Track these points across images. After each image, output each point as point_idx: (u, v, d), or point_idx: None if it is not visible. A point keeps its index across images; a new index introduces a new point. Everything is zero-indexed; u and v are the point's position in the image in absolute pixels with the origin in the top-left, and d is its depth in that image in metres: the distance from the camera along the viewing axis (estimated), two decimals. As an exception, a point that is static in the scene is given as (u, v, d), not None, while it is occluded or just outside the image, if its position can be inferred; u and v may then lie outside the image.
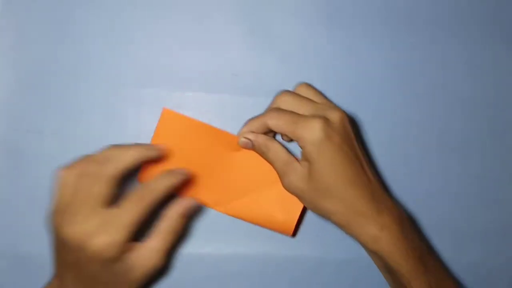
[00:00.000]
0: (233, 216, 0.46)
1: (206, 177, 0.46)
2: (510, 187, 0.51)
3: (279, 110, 0.43)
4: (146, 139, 0.47)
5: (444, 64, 0.50)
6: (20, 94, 0.47)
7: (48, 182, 0.47)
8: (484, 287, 0.50)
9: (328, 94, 0.49)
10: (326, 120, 0.41)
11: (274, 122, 0.43)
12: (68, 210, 0.39)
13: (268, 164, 0.45)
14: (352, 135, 0.42)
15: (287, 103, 0.44)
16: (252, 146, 0.44)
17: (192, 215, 0.46)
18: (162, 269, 0.43)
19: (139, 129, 0.47)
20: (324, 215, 0.43)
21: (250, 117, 0.48)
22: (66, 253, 0.40)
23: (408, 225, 0.43)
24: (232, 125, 0.47)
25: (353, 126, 0.43)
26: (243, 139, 0.44)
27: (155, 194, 0.40)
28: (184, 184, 0.44)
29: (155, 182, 0.41)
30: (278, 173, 0.44)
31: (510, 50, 0.51)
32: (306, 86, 0.45)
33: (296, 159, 0.43)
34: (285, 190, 0.44)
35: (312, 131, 0.41)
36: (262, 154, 0.44)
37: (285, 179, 0.43)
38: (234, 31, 0.48)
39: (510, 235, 0.51)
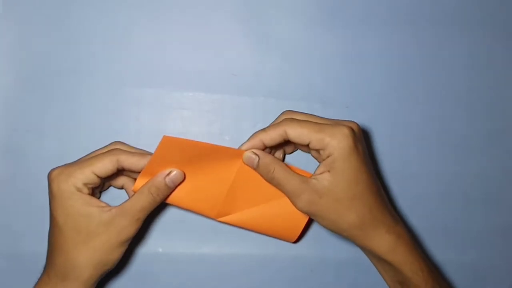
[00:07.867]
0: (235, 225, 0.44)
1: (206, 191, 0.43)
2: (509, 187, 0.51)
3: (296, 120, 0.40)
4: (146, 139, 0.47)
5: (444, 64, 0.50)
6: (20, 94, 0.47)
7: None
8: (484, 287, 0.50)
9: (328, 94, 0.49)
10: (352, 129, 0.39)
11: (297, 131, 0.39)
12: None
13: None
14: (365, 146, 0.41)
15: (298, 116, 0.41)
16: (256, 165, 0.40)
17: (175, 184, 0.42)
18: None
19: (139, 129, 0.47)
20: (342, 227, 0.40)
21: (249, 117, 0.48)
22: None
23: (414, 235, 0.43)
24: (232, 125, 0.47)
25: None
26: (250, 154, 0.40)
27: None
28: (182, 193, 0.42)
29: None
30: (289, 195, 0.40)
31: (511, 50, 0.51)
32: (296, 112, 0.42)
33: (308, 177, 0.40)
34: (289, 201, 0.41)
35: (342, 139, 0.38)
36: (267, 174, 0.40)
37: (301, 198, 0.40)
38: (234, 31, 0.48)
39: (509, 235, 0.51)
